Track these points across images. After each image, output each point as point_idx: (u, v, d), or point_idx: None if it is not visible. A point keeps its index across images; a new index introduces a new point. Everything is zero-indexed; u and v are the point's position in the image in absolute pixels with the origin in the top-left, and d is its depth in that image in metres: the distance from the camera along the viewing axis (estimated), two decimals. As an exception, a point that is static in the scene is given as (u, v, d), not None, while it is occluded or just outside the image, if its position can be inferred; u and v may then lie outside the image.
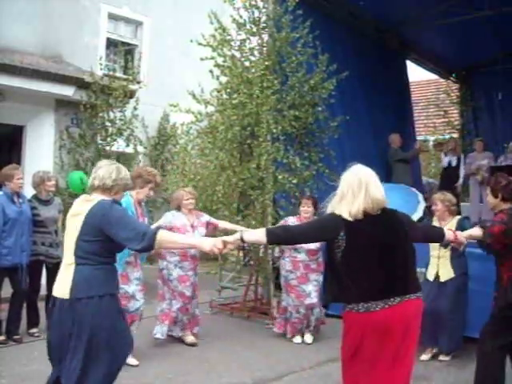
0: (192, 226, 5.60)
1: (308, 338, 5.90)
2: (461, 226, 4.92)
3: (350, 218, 2.93)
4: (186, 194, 5.72)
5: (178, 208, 5.71)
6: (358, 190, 2.96)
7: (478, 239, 3.82)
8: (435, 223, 5.17)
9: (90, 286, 2.90)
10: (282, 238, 3.11)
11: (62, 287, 2.95)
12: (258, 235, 3.10)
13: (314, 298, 5.76)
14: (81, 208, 3.09)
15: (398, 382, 2.94)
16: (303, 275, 5.79)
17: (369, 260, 2.92)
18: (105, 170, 3.16)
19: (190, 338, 5.63)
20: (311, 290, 5.77)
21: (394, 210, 3.12)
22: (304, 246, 5.63)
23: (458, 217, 5.37)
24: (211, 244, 2.97)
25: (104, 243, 2.95)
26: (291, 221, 5.88)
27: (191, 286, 5.60)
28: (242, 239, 3.01)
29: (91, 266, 2.94)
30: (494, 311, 3.96)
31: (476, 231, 3.79)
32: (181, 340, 5.65)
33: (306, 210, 5.81)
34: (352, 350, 2.94)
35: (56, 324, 3.00)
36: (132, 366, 4.77)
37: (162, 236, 2.88)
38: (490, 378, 3.97)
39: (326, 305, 5.74)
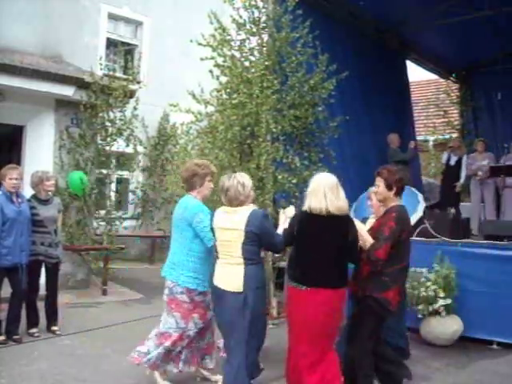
0: None
1: None
2: None
3: (307, 211, 3.71)
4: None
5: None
6: (318, 191, 3.68)
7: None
8: (371, 220, 4.67)
9: (256, 280, 3.83)
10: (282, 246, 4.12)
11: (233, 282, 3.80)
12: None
13: None
14: (237, 221, 3.87)
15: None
16: None
17: (303, 248, 3.77)
18: (235, 184, 3.93)
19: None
20: None
21: (350, 218, 3.79)
22: None
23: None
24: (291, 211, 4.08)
25: (258, 246, 3.88)
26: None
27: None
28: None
29: (255, 265, 3.85)
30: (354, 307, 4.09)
31: (366, 239, 3.85)
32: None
33: None
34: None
35: (227, 310, 3.84)
36: None
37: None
38: None
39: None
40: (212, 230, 4.01)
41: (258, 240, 3.79)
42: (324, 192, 3.67)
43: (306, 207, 3.75)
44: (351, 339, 3.98)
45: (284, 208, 4.27)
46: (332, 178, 3.79)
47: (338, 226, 3.71)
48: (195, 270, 4.29)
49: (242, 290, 3.76)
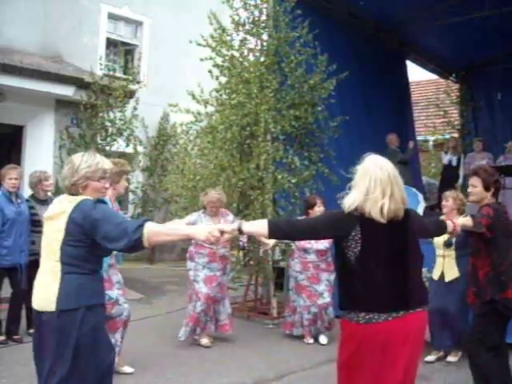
0: None
1: (322, 338, 5.85)
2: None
3: (370, 217, 2.63)
4: (215, 199, 5.55)
5: (205, 208, 5.63)
6: (388, 188, 2.67)
7: (469, 229, 3.69)
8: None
9: (78, 296, 2.63)
10: (285, 232, 2.77)
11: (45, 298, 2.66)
12: (258, 227, 2.80)
13: (326, 298, 5.75)
14: (59, 208, 2.86)
15: None
16: (314, 275, 5.78)
17: (381, 267, 2.65)
18: (65, 169, 2.83)
19: (204, 340, 5.56)
20: (323, 290, 5.76)
21: (408, 212, 2.85)
22: (314, 246, 5.68)
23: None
24: (206, 232, 2.61)
25: (88, 247, 2.68)
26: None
27: (218, 286, 5.53)
28: (239, 230, 2.74)
29: (78, 275, 2.67)
30: (479, 308, 3.90)
31: (468, 221, 3.64)
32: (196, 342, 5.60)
33: (320, 210, 5.75)
34: (348, 360, 2.73)
35: (39, 338, 2.71)
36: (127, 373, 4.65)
37: (150, 230, 2.49)
38: None
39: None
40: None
41: (85, 237, 2.66)
42: (382, 188, 2.68)
43: (366, 209, 2.66)
44: (480, 346, 3.86)
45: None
46: (388, 166, 2.79)
47: (409, 228, 2.81)
48: None
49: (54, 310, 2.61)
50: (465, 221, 3.67)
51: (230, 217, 5.72)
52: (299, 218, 5.85)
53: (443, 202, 5.33)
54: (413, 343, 2.69)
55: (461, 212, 5.25)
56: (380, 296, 2.65)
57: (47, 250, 2.85)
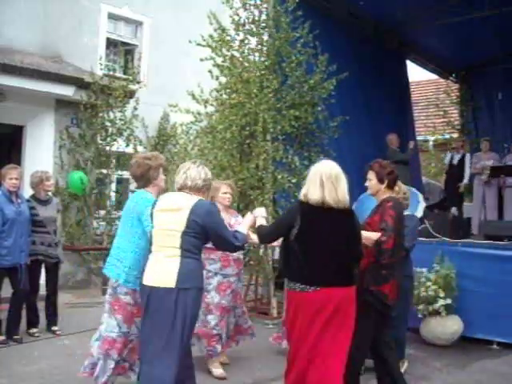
0: (229, 226, 4.43)
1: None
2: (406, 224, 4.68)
3: (311, 203, 3.36)
4: (225, 186, 4.94)
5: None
6: (327, 181, 3.38)
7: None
8: None
9: (194, 277, 3.32)
10: (260, 240, 3.82)
11: (165, 277, 3.25)
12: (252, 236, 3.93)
13: None
14: (180, 204, 3.36)
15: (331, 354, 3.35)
16: None
17: (316, 246, 3.36)
18: (195, 171, 3.49)
19: (217, 372, 4.74)
20: None
21: (353, 212, 3.55)
22: None
23: (407, 213, 4.74)
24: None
25: (202, 240, 3.37)
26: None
27: (231, 293, 4.85)
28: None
29: (194, 260, 3.33)
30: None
31: (374, 236, 3.74)
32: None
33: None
34: (290, 321, 3.47)
35: (153, 311, 3.27)
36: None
37: (243, 236, 3.48)
38: None
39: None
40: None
41: (201, 231, 3.33)
42: (321, 181, 3.39)
43: (302, 196, 3.46)
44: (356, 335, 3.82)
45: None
46: (333, 167, 3.50)
47: (344, 220, 3.44)
48: (141, 270, 3.69)
49: (173, 286, 3.23)
50: (372, 235, 3.76)
51: (240, 218, 5.10)
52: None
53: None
54: (343, 314, 3.36)
55: (404, 206, 4.70)
56: (314, 270, 3.34)
57: (164, 238, 3.35)
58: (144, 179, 3.97)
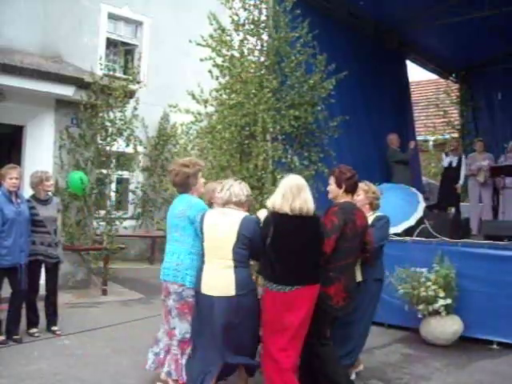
0: None
1: None
2: (373, 224, 4.61)
3: (283, 212, 3.73)
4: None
5: (210, 204, 4.64)
6: (297, 193, 3.76)
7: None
8: None
9: (249, 283, 3.84)
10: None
11: (225, 286, 3.74)
12: None
13: None
14: (230, 218, 3.81)
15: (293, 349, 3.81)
16: None
17: (286, 250, 3.74)
18: (238, 188, 3.91)
19: None
20: None
21: (317, 217, 3.91)
22: None
23: (377, 214, 4.83)
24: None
25: (249, 250, 3.80)
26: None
27: None
28: None
29: (246, 269, 3.84)
30: None
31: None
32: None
33: None
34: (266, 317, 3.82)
35: (221, 316, 3.72)
36: None
37: None
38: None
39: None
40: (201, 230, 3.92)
41: (249, 244, 3.80)
42: (284, 192, 3.78)
43: (270, 206, 3.84)
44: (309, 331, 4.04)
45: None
46: (297, 179, 3.90)
47: (309, 226, 3.83)
48: (195, 268, 4.08)
49: (234, 294, 3.74)
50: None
51: None
52: None
53: (355, 197, 4.80)
54: (307, 308, 3.78)
55: (373, 206, 4.84)
56: (286, 272, 3.73)
57: (217, 250, 3.80)
58: (184, 186, 4.23)
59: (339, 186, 4.19)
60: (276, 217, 3.78)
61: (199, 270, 3.89)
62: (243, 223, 3.75)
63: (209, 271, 3.82)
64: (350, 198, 4.24)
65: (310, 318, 3.85)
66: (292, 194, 3.76)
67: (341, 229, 3.96)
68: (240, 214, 3.82)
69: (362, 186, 4.78)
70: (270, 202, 3.86)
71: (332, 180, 4.26)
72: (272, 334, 3.80)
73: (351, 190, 4.22)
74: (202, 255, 3.92)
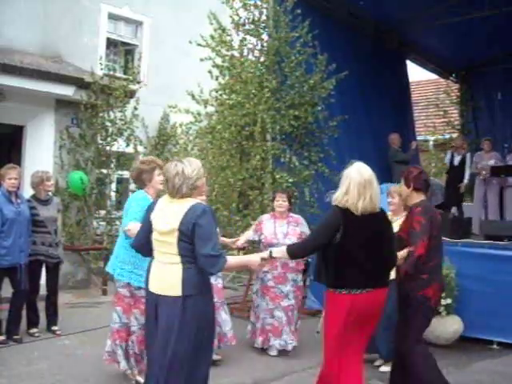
0: None
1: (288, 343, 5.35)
2: None
3: (352, 212, 3.35)
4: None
5: None
6: (363, 190, 3.37)
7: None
8: (399, 221, 4.62)
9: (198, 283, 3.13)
10: (301, 253, 3.77)
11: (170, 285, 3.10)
12: (282, 253, 3.59)
13: (291, 300, 5.40)
14: (174, 209, 3.20)
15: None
16: (281, 275, 5.38)
17: (359, 252, 3.38)
18: (190, 169, 3.23)
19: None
20: (289, 291, 5.39)
21: (384, 211, 3.59)
22: (280, 241, 5.22)
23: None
24: (258, 262, 3.39)
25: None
26: (266, 218, 5.61)
27: (217, 293, 4.86)
28: (270, 255, 3.54)
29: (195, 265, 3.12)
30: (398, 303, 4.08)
31: (404, 254, 3.87)
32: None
33: (281, 205, 5.46)
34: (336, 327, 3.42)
35: (162, 318, 3.11)
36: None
37: (224, 265, 3.10)
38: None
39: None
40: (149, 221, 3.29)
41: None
42: (358, 190, 3.37)
43: (336, 202, 3.45)
44: (402, 337, 3.95)
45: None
46: (364, 172, 3.46)
47: (379, 223, 3.51)
48: (133, 264, 4.16)
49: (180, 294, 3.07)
50: (403, 254, 3.88)
51: None
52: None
53: (388, 199, 4.97)
54: (378, 313, 3.51)
55: (406, 208, 4.78)
56: (359, 274, 3.37)
57: (162, 245, 3.18)
58: (139, 181, 4.37)
59: (408, 185, 4.06)
60: (345, 213, 3.38)
61: (148, 266, 3.31)
62: (189, 213, 3.07)
63: (154, 267, 3.22)
64: (423, 197, 4.07)
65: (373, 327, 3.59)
66: (364, 188, 3.38)
67: (429, 228, 3.88)
68: (188, 202, 3.13)
69: (395, 189, 4.89)
70: (338, 198, 3.45)
71: (402, 181, 4.13)
72: (344, 347, 3.43)
73: (421, 187, 4.06)
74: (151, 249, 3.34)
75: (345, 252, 3.36)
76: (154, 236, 3.21)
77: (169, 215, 3.13)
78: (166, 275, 3.11)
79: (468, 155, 9.62)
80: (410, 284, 3.89)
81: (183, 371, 3.06)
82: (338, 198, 3.44)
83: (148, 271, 3.26)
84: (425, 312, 3.93)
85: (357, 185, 3.37)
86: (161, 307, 3.10)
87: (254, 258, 3.45)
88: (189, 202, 3.12)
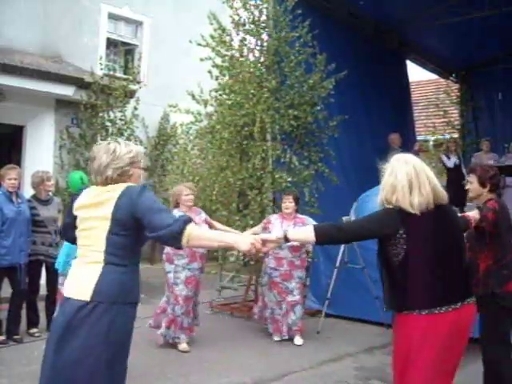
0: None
1: (297, 339, 5.78)
2: None
3: (411, 211, 2.65)
4: (186, 189, 5.44)
5: (177, 205, 5.43)
6: (417, 181, 2.70)
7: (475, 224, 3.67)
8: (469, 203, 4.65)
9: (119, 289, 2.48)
10: (335, 237, 2.82)
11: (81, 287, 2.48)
12: (305, 234, 2.88)
13: (296, 296, 5.75)
14: (104, 196, 2.56)
15: None
16: (287, 272, 5.74)
17: (431, 261, 2.69)
18: (102, 158, 2.61)
19: (182, 346, 5.37)
20: (294, 288, 5.74)
21: (448, 204, 2.86)
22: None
23: None
24: (249, 243, 2.50)
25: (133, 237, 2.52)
26: (274, 218, 5.86)
27: (195, 285, 5.44)
28: (285, 238, 2.77)
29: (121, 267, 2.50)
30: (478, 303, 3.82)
31: (477, 214, 3.67)
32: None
33: (287, 206, 5.73)
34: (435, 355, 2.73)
35: (64, 324, 2.49)
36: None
37: (192, 231, 2.40)
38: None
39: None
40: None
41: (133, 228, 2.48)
42: (408, 181, 2.70)
43: (385, 202, 2.78)
44: (489, 342, 3.86)
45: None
46: (410, 159, 2.83)
47: (451, 220, 2.87)
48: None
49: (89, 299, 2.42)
50: (475, 214, 3.65)
51: (203, 214, 5.61)
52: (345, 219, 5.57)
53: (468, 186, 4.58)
54: (467, 334, 2.90)
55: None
56: (437, 289, 2.69)
57: (85, 240, 2.58)
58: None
59: (483, 185, 3.89)
60: (406, 215, 2.67)
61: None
62: (123, 196, 2.46)
63: (73, 266, 2.63)
64: (494, 197, 3.93)
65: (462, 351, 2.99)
66: (417, 181, 2.71)
67: (501, 217, 3.76)
68: (120, 186, 2.52)
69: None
70: (387, 198, 2.76)
71: (474, 179, 3.92)
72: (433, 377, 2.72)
73: (496, 188, 3.96)
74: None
75: (412, 262, 2.67)
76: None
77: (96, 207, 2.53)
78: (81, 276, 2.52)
79: (461, 157, 9.62)
80: (490, 281, 3.74)
81: None
82: (383, 200, 2.78)
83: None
84: (509, 309, 3.77)
85: (406, 175, 2.71)
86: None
87: (243, 240, 2.54)
88: (120, 186, 2.52)
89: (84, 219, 2.59)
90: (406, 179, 2.70)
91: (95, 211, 2.53)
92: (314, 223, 5.25)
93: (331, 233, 2.79)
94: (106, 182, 2.56)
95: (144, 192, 2.48)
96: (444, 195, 2.77)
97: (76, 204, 2.67)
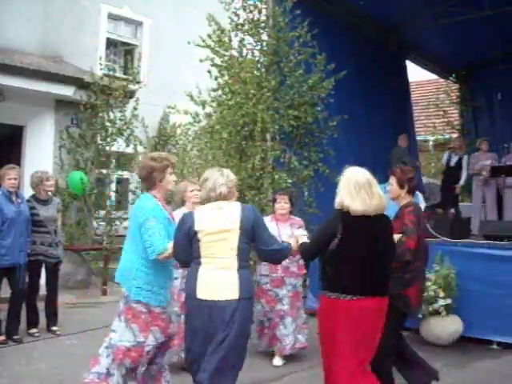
0: None
1: (277, 360, 5.14)
2: None
3: (353, 213, 3.30)
4: (191, 184, 4.91)
5: (183, 203, 4.89)
6: (369, 189, 3.35)
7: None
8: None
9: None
10: (307, 256, 3.80)
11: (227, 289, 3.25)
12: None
13: (285, 305, 5.13)
14: (227, 212, 3.38)
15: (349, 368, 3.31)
16: (279, 278, 5.15)
17: (355, 257, 3.32)
18: (221, 179, 3.46)
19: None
20: (284, 296, 5.14)
21: (387, 216, 3.51)
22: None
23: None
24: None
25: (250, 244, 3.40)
26: (267, 220, 5.24)
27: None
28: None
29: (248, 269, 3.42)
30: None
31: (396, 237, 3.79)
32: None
33: (282, 206, 5.26)
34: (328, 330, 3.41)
35: (212, 323, 3.24)
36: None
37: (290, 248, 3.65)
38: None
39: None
40: (194, 232, 3.30)
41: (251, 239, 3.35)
42: (356, 190, 3.34)
43: (340, 206, 3.38)
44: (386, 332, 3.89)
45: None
46: (362, 173, 3.45)
47: (382, 228, 3.45)
48: (149, 282, 3.56)
49: (237, 298, 3.25)
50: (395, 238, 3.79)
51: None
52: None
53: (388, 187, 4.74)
54: (378, 322, 3.39)
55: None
56: (356, 280, 3.30)
57: (217, 249, 3.30)
58: (148, 181, 3.68)
59: (401, 186, 4.15)
60: (345, 217, 3.33)
61: (192, 274, 3.32)
62: (244, 213, 3.31)
63: (206, 273, 3.27)
64: (411, 199, 4.19)
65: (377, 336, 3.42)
66: (365, 192, 3.35)
67: (418, 228, 3.94)
68: (235, 204, 3.38)
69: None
70: (338, 201, 3.41)
71: (393, 180, 4.19)
72: (338, 348, 3.35)
73: (413, 190, 4.23)
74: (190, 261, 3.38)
75: (342, 254, 3.32)
76: (206, 241, 3.28)
77: (223, 217, 3.30)
78: (224, 280, 3.25)
79: (465, 157, 9.61)
80: (392, 282, 3.71)
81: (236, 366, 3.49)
82: (337, 201, 3.43)
83: (194, 279, 3.29)
84: (402, 312, 3.94)
85: (352, 185, 3.36)
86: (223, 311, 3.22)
87: (294, 242, 3.77)
88: (234, 203, 3.39)
89: (211, 234, 3.29)
90: (353, 187, 3.34)
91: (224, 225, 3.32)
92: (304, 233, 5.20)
93: (304, 251, 3.68)
94: (224, 199, 3.39)
95: (256, 212, 3.47)
96: (382, 207, 3.39)
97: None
